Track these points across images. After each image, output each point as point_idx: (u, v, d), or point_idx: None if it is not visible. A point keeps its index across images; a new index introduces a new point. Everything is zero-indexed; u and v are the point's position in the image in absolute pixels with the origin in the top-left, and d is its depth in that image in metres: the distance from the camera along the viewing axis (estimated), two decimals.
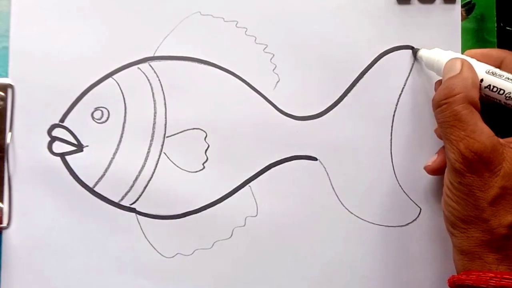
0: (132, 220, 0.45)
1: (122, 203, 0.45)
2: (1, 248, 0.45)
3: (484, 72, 0.39)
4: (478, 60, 0.41)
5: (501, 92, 0.39)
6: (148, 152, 0.46)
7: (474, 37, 0.47)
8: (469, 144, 0.36)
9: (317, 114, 0.46)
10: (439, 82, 0.43)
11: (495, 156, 0.36)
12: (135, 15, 0.46)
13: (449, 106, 0.37)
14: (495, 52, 0.42)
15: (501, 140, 0.37)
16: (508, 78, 0.38)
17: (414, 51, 0.45)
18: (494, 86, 0.39)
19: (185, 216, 0.45)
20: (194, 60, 0.46)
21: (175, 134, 0.46)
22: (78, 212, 0.45)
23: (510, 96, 0.38)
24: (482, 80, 0.39)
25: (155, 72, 0.46)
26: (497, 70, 0.39)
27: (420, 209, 0.46)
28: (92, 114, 0.45)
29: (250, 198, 0.46)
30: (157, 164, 0.46)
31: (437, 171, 0.43)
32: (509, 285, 0.34)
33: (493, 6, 0.47)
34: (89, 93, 0.46)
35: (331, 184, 0.46)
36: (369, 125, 0.46)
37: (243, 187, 0.46)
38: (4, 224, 0.44)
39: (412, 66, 0.46)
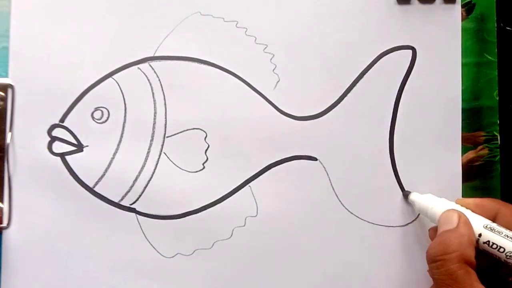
0: (132, 220, 0.45)
1: (122, 203, 0.45)
2: (1, 248, 0.44)
3: (482, 227, 0.38)
4: (472, 211, 0.40)
5: (501, 250, 0.37)
6: (148, 152, 0.46)
7: (474, 37, 0.47)
8: None
9: (317, 114, 0.46)
10: (433, 230, 0.42)
11: None
12: (135, 15, 0.46)
13: (444, 264, 0.36)
14: (489, 203, 0.41)
15: None
16: (508, 236, 0.37)
17: (405, 193, 0.45)
18: (493, 243, 0.37)
19: (185, 216, 0.45)
20: (194, 60, 0.46)
21: (175, 134, 0.46)
22: (78, 212, 0.45)
23: (506, 253, 0.37)
24: (480, 235, 0.38)
25: (155, 72, 0.46)
26: (495, 226, 0.38)
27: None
28: (92, 114, 0.45)
29: (250, 198, 0.46)
30: (157, 164, 0.46)
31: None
32: None
33: (493, 6, 0.47)
34: (89, 93, 0.45)
35: (331, 184, 0.46)
36: (369, 125, 0.46)
37: (243, 187, 0.46)
38: (4, 224, 0.44)
39: (412, 66, 0.46)
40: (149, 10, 0.46)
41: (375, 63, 0.46)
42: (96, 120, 0.45)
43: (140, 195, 0.45)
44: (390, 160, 0.46)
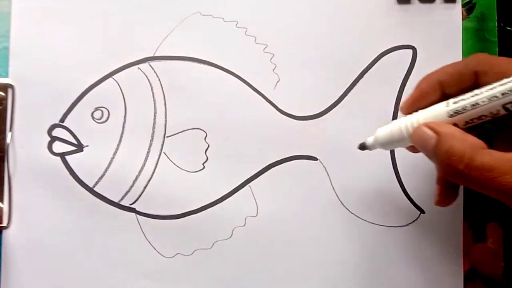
0: (132, 220, 0.45)
1: (122, 203, 0.45)
2: (1, 248, 0.45)
3: (449, 118, 0.35)
4: (417, 107, 0.37)
5: (483, 117, 0.34)
6: (148, 152, 0.46)
7: (475, 37, 0.47)
8: None
9: (317, 114, 0.46)
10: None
11: None
12: (135, 15, 0.46)
13: (471, 168, 0.33)
14: (423, 86, 0.38)
15: None
16: (476, 104, 0.34)
17: (361, 145, 0.41)
18: (471, 120, 0.35)
19: (185, 216, 0.45)
20: (194, 60, 0.46)
21: (175, 134, 0.46)
22: (78, 212, 0.45)
23: (493, 114, 0.34)
24: (456, 125, 0.35)
25: (155, 72, 0.46)
26: (455, 105, 0.35)
27: (421, 209, 0.46)
28: (92, 114, 0.46)
29: (250, 198, 0.46)
30: (157, 164, 0.46)
31: (447, 202, 0.39)
32: None
33: (493, 6, 0.47)
34: (89, 93, 0.46)
35: (331, 184, 0.46)
36: (369, 125, 0.46)
37: (243, 187, 0.46)
38: (4, 224, 0.45)
39: (412, 66, 0.46)
40: (149, 10, 0.46)
41: (376, 62, 0.46)
42: (96, 120, 0.46)
43: (140, 195, 0.45)
44: (390, 160, 0.46)
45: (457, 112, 0.35)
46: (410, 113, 0.38)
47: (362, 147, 0.41)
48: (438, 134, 0.34)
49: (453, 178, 0.34)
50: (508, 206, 0.33)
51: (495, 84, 0.34)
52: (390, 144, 0.39)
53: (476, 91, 0.35)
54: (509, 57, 0.37)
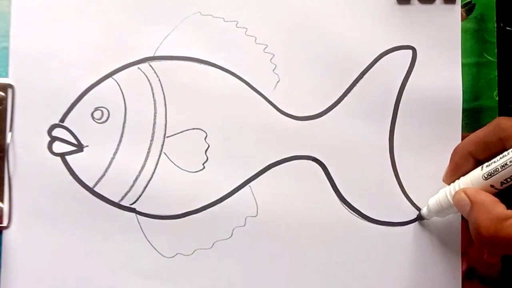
0: (132, 220, 0.45)
1: (122, 203, 0.45)
2: (1, 248, 0.44)
3: (484, 180, 0.39)
4: (457, 176, 0.41)
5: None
6: (148, 152, 0.46)
7: (474, 37, 0.47)
8: None
9: (317, 114, 0.46)
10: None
11: None
12: (135, 15, 0.46)
13: (495, 239, 0.36)
14: (456, 157, 0.42)
15: None
16: (506, 164, 0.37)
17: (419, 216, 0.45)
18: (505, 180, 0.38)
19: (185, 216, 0.45)
20: (194, 60, 0.46)
21: (175, 134, 0.46)
22: (78, 212, 0.45)
23: None
24: (493, 186, 0.38)
25: (155, 72, 0.46)
26: (487, 168, 0.38)
27: (420, 209, 0.46)
28: (92, 114, 0.45)
29: (250, 198, 0.46)
30: (157, 164, 0.46)
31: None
32: None
33: (493, 6, 0.47)
34: (89, 93, 0.45)
35: (331, 184, 0.46)
36: (369, 125, 0.46)
37: (243, 187, 0.46)
38: (4, 224, 0.44)
39: (412, 66, 0.46)
40: (149, 10, 0.46)
41: (375, 63, 0.46)
42: (96, 120, 0.45)
43: (140, 195, 0.45)
44: (390, 160, 0.46)
45: (490, 175, 0.38)
46: (453, 182, 0.42)
47: (420, 217, 0.45)
48: (472, 202, 0.37)
49: (480, 245, 0.37)
50: None
51: None
52: (442, 212, 0.43)
53: (505, 153, 0.38)
54: None
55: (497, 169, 0.38)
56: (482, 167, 0.39)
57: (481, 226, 0.36)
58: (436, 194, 0.43)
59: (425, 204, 0.45)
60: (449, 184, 0.42)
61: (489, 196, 0.38)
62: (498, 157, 0.38)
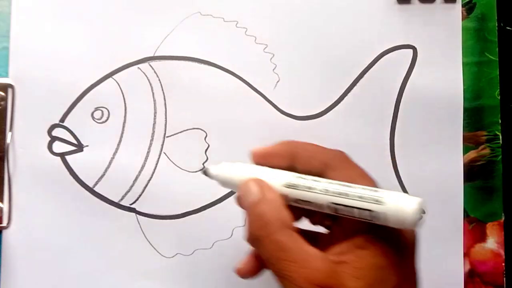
0: (132, 220, 0.45)
1: (122, 203, 0.45)
2: (1, 248, 0.45)
3: (283, 187, 0.34)
4: (268, 162, 0.36)
5: (312, 204, 0.33)
6: (148, 152, 0.46)
7: (475, 36, 0.46)
8: (306, 276, 0.30)
9: (317, 114, 0.46)
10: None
11: (335, 279, 0.31)
12: (135, 15, 0.46)
13: (268, 239, 0.32)
14: (282, 147, 0.36)
15: (331, 257, 0.32)
16: (310, 188, 0.33)
17: (204, 171, 0.38)
18: (301, 200, 0.33)
19: (185, 216, 0.45)
20: (194, 60, 0.46)
21: (175, 134, 0.46)
22: (78, 212, 0.45)
23: (320, 207, 0.33)
24: (286, 196, 0.34)
25: (155, 72, 0.46)
26: (295, 180, 0.34)
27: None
28: (92, 114, 0.46)
29: None
30: (157, 164, 0.46)
31: (251, 273, 0.37)
32: None
33: (493, 6, 0.47)
34: (89, 93, 0.46)
35: None
36: (369, 125, 0.46)
37: None
38: (4, 224, 0.45)
39: (412, 66, 0.46)
40: (149, 10, 0.46)
41: (376, 62, 0.46)
42: (96, 120, 0.46)
43: (140, 195, 0.45)
44: (391, 160, 0.46)
45: (292, 186, 0.34)
46: (258, 163, 0.36)
47: (204, 172, 0.38)
48: (263, 195, 0.33)
49: (250, 240, 0.33)
50: None
51: (335, 181, 0.33)
52: (227, 184, 0.37)
53: (320, 178, 0.33)
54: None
55: (299, 186, 0.33)
56: (290, 174, 0.34)
57: (263, 220, 0.33)
58: (236, 164, 0.37)
59: (426, 204, 0.45)
60: (253, 162, 0.37)
61: (282, 200, 0.33)
62: (311, 177, 0.34)
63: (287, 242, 0.32)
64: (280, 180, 0.34)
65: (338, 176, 0.34)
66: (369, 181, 0.34)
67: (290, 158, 0.35)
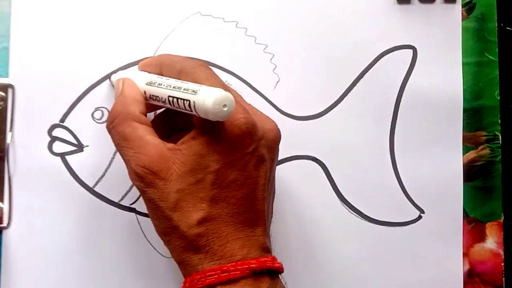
0: (132, 220, 0.45)
1: (122, 203, 0.45)
2: (1, 248, 0.45)
3: (145, 84, 0.40)
4: (147, 70, 0.42)
5: (158, 98, 0.38)
6: None
7: (475, 37, 0.47)
8: (137, 160, 0.36)
9: (317, 114, 0.46)
10: None
11: (163, 163, 0.36)
12: (135, 15, 0.46)
13: (114, 130, 0.38)
14: (155, 59, 0.43)
15: (170, 145, 0.37)
16: (161, 85, 0.38)
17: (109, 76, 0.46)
18: (152, 95, 0.39)
19: None
20: None
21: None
22: (78, 212, 0.45)
23: (164, 101, 0.38)
24: (145, 92, 0.40)
25: None
26: (155, 78, 0.40)
27: (420, 209, 0.46)
28: (92, 114, 0.45)
29: None
30: None
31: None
32: (215, 281, 0.34)
33: (493, 6, 0.47)
34: (89, 93, 0.45)
35: (331, 184, 0.46)
36: (369, 125, 0.46)
37: None
38: (4, 224, 0.44)
39: (412, 66, 0.46)
40: (149, 10, 0.46)
41: (376, 62, 0.46)
42: (96, 120, 0.45)
43: (140, 195, 0.45)
44: (390, 160, 0.46)
45: (149, 84, 0.39)
46: (142, 70, 0.43)
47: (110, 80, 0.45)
48: (121, 92, 0.40)
49: (107, 130, 0.39)
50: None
51: (180, 80, 0.38)
52: (114, 85, 0.43)
53: (172, 79, 0.39)
54: None
55: (154, 83, 0.39)
56: (156, 75, 0.40)
57: (112, 112, 0.39)
58: (125, 70, 0.45)
59: (426, 204, 0.45)
60: (138, 69, 0.43)
61: (135, 95, 0.40)
62: (166, 78, 0.39)
63: (129, 134, 0.37)
64: (144, 79, 0.40)
65: (188, 79, 0.38)
66: (216, 84, 0.37)
67: (159, 66, 0.41)
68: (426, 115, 0.46)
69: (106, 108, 0.45)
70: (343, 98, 0.46)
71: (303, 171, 0.46)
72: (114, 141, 0.38)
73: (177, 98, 0.36)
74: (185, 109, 0.36)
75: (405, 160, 0.46)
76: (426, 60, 0.46)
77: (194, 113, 0.35)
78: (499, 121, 0.46)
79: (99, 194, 0.45)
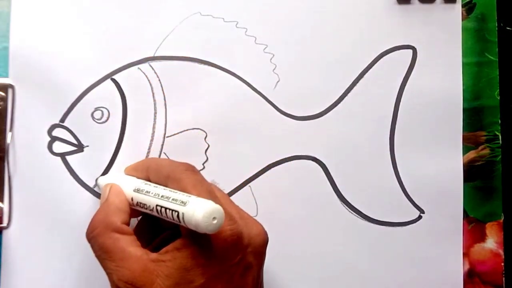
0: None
1: None
2: (1, 248, 0.45)
3: (132, 191, 0.39)
4: (134, 174, 0.42)
5: (146, 206, 0.38)
6: (148, 152, 0.46)
7: (475, 37, 0.47)
8: (120, 274, 0.35)
9: (317, 114, 0.46)
10: None
11: (146, 277, 0.35)
12: (135, 15, 0.46)
13: (94, 240, 0.37)
14: (141, 163, 0.43)
15: (153, 256, 0.36)
16: (149, 192, 0.38)
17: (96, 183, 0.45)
18: (139, 203, 0.38)
19: None
20: (194, 60, 0.46)
21: (175, 134, 0.46)
22: (78, 212, 0.45)
23: (152, 209, 0.37)
24: (132, 198, 0.39)
25: (155, 72, 0.46)
26: (142, 186, 0.39)
27: (420, 209, 0.46)
28: (92, 114, 0.45)
29: (250, 198, 0.46)
30: None
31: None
32: None
33: (493, 6, 0.47)
34: (89, 93, 0.45)
35: (331, 184, 0.46)
36: (369, 125, 0.46)
37: (243, 187, 0.46)
38: (4, 224, 0.44)
39: (412, 66, 0.46)
40: (149, 10, 0.46)
41: (375, 63, 0.46)
42: (96, 120, 0.45)
43: None
44: (390, 160, 0.46)
45: (137, 191, 0.39)
46: (128, 175, 0.43)
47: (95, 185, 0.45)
48: (107, 198, 0.39)
49: (87, 239, 0.38)
50: None
51: (168, 188, 0.38)
52: (101, 190, 0.42)
53: (160, 186, 0.38)
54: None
55: (142, 190, 0.38)
56: (143, 181, 0.40)
57: (91, 223, 0.38)
58: (110, 174, 0.44)
59: (426, 204, 0.45)
60: (125, 173, 0.43)
61: (118, 203, 0.39)
62: (154, 184, 0.39)
63: (111, 245, 0.36)
64: (132, 185, 0.39)
65: (175, 186, 0.37)
66: (204, 192, 0.36)
67: (146, 171, 0.41)
68: (426, 115, 0.46)
69: (106, 108, 0.45)
70: (343, 98, 0.46)
71: (303, 171, 0.46)
72: (94, 251, 0.37)
73: (166, 208, 0.36)
74: (173, 220, 0.35)
75: (405, 160, 0.46)
76: (426, 60, 0.46)
77: (182, 224, 0.34)
78: (499, 121, 0.46)
79: (99, 194, 0.45)
